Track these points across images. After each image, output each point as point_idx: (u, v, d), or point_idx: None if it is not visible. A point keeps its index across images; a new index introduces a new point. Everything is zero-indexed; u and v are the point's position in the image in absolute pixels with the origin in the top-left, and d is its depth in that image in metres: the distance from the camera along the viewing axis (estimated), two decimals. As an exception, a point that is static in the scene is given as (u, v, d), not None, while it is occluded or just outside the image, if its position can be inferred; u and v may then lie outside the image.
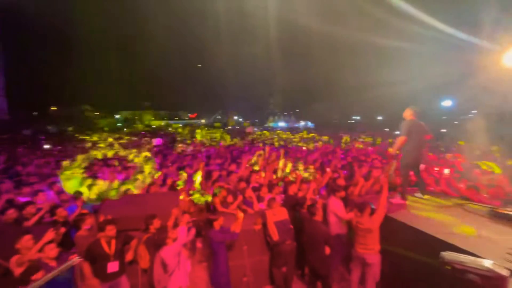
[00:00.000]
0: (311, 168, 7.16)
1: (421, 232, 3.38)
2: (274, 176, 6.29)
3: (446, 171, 5.38)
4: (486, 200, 4.13)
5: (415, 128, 4.35)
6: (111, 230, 3.26)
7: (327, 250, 3.78)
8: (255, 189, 5.27)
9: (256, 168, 7.05)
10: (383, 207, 3.65)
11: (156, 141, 14.15)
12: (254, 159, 8.24)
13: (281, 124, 64.45)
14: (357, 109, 65.66)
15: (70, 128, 33.60)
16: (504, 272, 1.56)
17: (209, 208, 4.70)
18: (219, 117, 76.49)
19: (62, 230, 3.73)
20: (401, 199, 4.37)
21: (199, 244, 4.70)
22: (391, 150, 4.56)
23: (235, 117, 74.54)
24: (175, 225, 3.68)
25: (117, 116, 62.46)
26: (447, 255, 1.89)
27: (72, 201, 4.68)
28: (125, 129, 33.58)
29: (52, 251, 3.07)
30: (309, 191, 4.81)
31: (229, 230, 3.84)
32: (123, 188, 5.39)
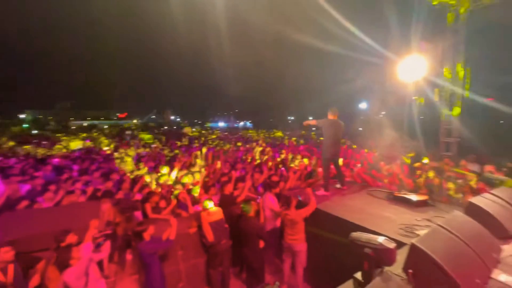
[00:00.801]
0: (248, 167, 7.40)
1: (339, 218, 3.88)
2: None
3: (359, 165, 6.30)
4: (386, 186, 5.02)
5: (333, 127, 4.93)
6: (6, 253, 2.69)
7: (261, 244, 3.96)
8: (191, 192, 5.14)
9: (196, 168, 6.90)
10: (313, 204, 4.03)
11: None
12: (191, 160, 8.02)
13: (221, 124, 64.19)
14: (292, 110, 70.59)
15: None
16: (391, 246, 1.94)
17: (132, 217, 4.31)
18: (154, 117, 71.38)
19: None
20: (324, 191, 4.90)
21: (129, 256, 4.31)
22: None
23: (172, 117, 70.74)
24: (93, 239, 3.25)
25: (22, 116, 51.87)
26: (354, 234, 2.24)
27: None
28: (33, 131, 28.05)
29: None
30: (244, 189, 4.94)
31: (161, 239, 3.62)
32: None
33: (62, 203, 4.59)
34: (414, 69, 7.62)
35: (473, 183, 4.88)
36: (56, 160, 9.05)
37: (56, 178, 6.21)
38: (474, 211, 3.12)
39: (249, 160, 8.52)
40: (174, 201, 4.73)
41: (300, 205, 4.17)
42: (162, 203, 4.64)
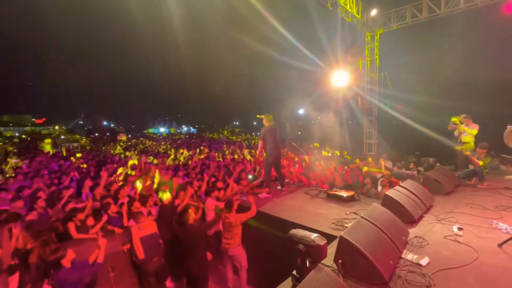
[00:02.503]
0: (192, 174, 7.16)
1: (279, 218, 4.08)
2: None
3: (296, 166, 6.76)
4: (319, 184, 5.52)
5: (271, 133, 5.19)
6: None
7: (205, 253, 3.84)
8: (128, 204, 4.66)
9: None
10: (253, 211, 4.10)
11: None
12: (121, 170, 7.32)
13: (162, 130, 60.52)
14: (236, 115, 71.58)
15: None
16: (322, 243, 2.14)
17: (49, 240, 3.67)
18: (82, 122, 63.04)
19: None
20: (266, 193, 5.08)
21: (46, 287, 3.66)
22: (257, 154, 5.42)
23: (105, 123, 63.64)
24: None
25: None
26: (292, 231, 2.38)
27: None
28: None
29: None
30: (186, 198, 4.74)
31: (87, 263, 3.14)
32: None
33: None
34: (340, 80, 8.74)
35: (390, 178, 5.73)
36: None
37: None
38: (389, 202, 3.67)
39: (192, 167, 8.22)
40: (104, 217, 4.22)
41: (241, 206, 4.21)
42: (90, 221, 4.09)
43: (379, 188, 5.14)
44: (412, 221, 3.56)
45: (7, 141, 23.67)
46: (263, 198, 4.94)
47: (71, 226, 3.95)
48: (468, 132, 5.83)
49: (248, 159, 9.14)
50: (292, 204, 4.60)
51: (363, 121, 10.77)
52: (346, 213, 4.02)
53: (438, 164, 7.74)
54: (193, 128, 67.16)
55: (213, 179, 5.96)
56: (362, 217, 2.84)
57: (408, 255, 2.72)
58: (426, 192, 4.26)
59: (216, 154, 11.28)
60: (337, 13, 8.72)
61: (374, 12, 9.82)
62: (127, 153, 8.11)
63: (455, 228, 3.21)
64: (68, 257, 2.94)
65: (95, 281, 3.41)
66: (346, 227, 3.44)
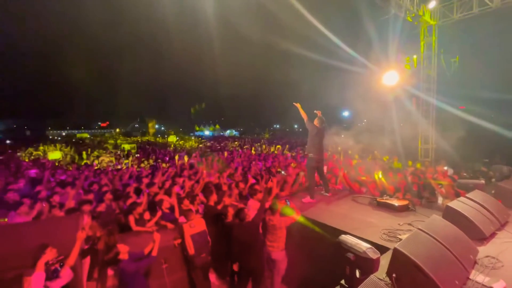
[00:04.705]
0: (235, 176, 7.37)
1: (324, 224, 3.94)
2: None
3: (342, 171, 6.44)
4: (370, 191, 5.17)
5: (319, 136, 5.05)
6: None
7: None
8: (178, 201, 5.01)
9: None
10: (297, 214, 4.05)
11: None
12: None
13: (206, 132, 63.63)
14: (277, 118, 71.67)
15: None
16: (374, 256, 1.99)
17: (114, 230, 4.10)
18: (137, 125, 70.02)
19: None
20: (310, 198, 4.95)
21: (110, 271, 4.12)
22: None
23: (157, 126, 69.65)
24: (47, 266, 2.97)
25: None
26: (342, 237, 2.28)
27: None
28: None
29: None
30: (230, 198, 4.89)
31: (143, 255, 3.47)
32: None
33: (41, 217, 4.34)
34: (392, 80, 8.17)
35: (451, 188, 5.10)
36: (32, 171, 8.59)
37: (31, 191, 5.88)
38: (452, 215, 3.26)
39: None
40: (159, 213, 4.60)
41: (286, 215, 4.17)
42: (146, 215, 4.50)
43: (440, 199, 4.61)
44: (482, 238, 3.11)
45: (80, 141, 27.69)
46: (307, 203, 4.84)
47: (131, 219, 4.40)
48: None
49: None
50: (337, 211, 4.41)
51: (418, 124, 9.81)
52: (399, 224, 3.70)
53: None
54: (235, 131, 69.29)
55: (254, 181, 6.07)
56: (419, 229, 2.58)
57: (478, 277, 2.38)
58: (500, 206, 3.68)
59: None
60: (389, 9, 8.13)
61: (432, 4, 8.93)
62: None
63: (540, 250, 2.71)
64: (123, 251, 3.26)
65: (150, 270, 3.74)
66: (401, 239, 3.17)
